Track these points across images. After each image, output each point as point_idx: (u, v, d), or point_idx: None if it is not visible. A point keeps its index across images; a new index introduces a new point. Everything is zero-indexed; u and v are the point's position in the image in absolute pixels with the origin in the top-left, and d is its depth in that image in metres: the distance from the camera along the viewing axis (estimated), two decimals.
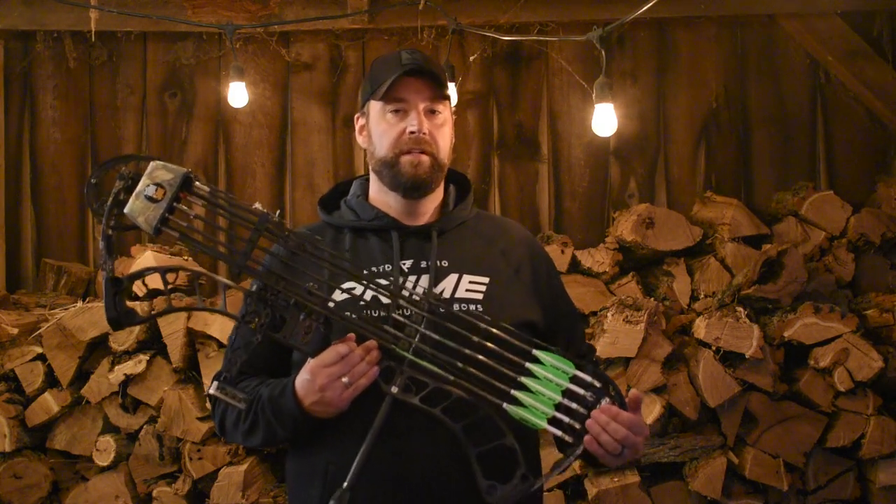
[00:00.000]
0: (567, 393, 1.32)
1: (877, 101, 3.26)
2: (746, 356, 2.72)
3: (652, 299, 2.91)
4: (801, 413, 2.81)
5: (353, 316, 1.37)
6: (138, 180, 1.28)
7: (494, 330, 1.35)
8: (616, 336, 2.69)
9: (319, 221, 1.62)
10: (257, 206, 1.32)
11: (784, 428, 2.79)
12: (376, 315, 1.40)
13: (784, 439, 2.79)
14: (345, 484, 1.31)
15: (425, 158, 1.51)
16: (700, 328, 2.79)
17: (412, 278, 1.47)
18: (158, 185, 1.27)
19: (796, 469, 2.81)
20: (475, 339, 1.33)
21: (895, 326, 2.84)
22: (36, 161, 3.44)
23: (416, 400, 1.31)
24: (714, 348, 2.74)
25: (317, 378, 1.33)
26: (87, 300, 3.01)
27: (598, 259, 3.08)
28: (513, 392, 1.32)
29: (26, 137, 3.44)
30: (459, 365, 1.31)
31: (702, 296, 3.05)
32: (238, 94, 3.12)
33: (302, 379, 1.36)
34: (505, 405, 1.31)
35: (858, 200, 3.20)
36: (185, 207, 1.30)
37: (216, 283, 3.44)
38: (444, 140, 1.56)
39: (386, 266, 1.49)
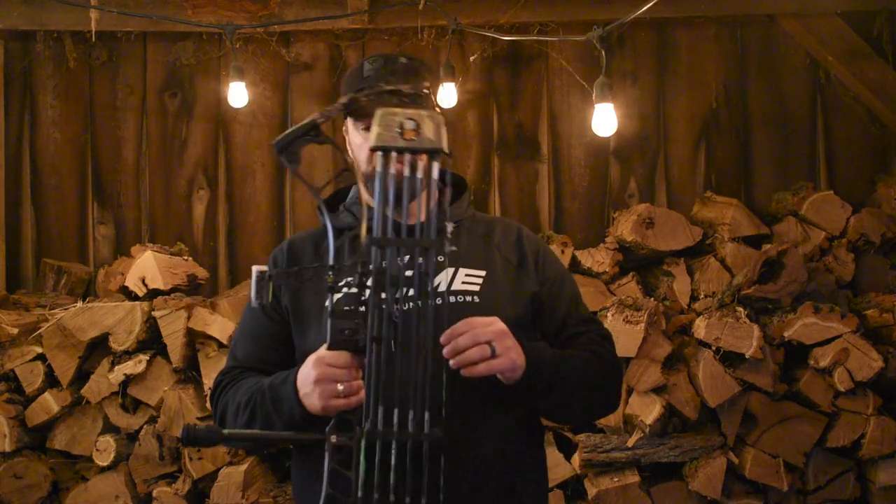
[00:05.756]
0: None
1: (877, 101, 3.26)
2: (746, 356, 2.71)
3: (652, 299, 2.91)
4: (801, 413, 2.80)
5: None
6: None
7: None
8: (616, 336, 2.65)
9: (320, 227, 1.63)
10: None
11: (784, 428, 2.79)
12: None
13: (784, 439, 2.78)
14: None
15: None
16: (700, 328, 2.79)
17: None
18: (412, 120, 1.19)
19: (796, 469, 2.81)
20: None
21: (895, 326, 2.84)
22: (36, 161, 3.44)
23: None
24: (714, 348, 2.74)
25: (316, 369, 1.31)
26: (87, 300, 3.00)
27: (598, 259, 3.08)
28: None
29: (26, 137, 3.44)
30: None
31: (702, 296, 3.05)
32: (238, 94, 3.12)
33: (303, 370, 1.36)
34: None
35: (858, 200, 3.20)
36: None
37: (216, 283, 3.46)
38: None
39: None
